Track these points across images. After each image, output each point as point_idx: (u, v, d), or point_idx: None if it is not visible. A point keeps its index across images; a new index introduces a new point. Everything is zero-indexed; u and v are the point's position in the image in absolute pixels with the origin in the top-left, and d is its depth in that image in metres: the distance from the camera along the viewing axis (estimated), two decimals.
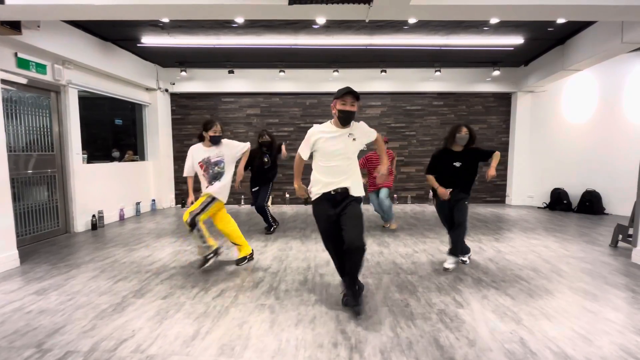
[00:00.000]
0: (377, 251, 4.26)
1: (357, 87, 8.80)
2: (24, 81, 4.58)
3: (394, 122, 8.05)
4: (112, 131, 8.57)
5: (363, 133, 2.68)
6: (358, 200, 2.65)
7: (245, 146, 3.75)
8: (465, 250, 3.79)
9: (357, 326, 2.42)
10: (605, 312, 2.64)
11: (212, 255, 3.54)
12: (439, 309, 2.68)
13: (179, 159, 8.04)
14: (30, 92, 4.73)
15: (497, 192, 8.24)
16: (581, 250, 4.28)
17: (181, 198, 7.95)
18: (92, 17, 3.73)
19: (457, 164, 3.44)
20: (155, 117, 7.47)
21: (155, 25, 5.21)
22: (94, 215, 5.57)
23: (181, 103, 7.98)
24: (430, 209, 7.35)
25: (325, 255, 4.06)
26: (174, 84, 7.65)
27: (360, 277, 3.32)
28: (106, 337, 2.30)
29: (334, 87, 8.59)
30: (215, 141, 3.57)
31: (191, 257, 4.03)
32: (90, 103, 7.77)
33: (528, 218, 6.39)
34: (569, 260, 3.87)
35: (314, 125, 2.69)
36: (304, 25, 5.21)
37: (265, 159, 5.09)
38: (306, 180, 2.59)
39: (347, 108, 2.49)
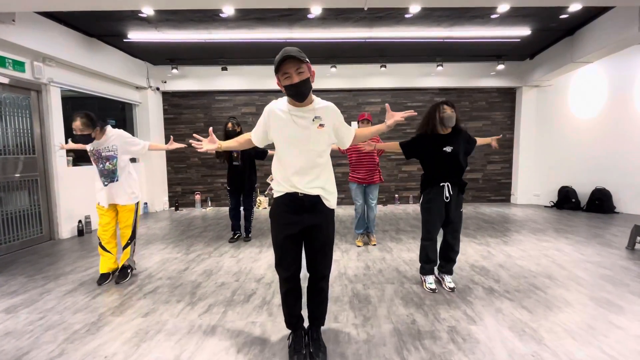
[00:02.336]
0: (379, 257, 3.99)
1: (356, 84, 8.37)
2: (5, 81, 4.30)
3: None
4: None
5: (333, 119, 1.94)
6: (332, 216, 2.01)
7: (144, 147, 3.28)
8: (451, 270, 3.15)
9: (359, 349, 2.14)
10: (635, 327, 2.36)
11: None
12: (449, 326, 2.41)
13: (172, 160, 7.77)
14: (8, 92, 4.44)
15: (501, 190, 7.96)
16: (597, 253, 4.00)
17: (175, 201, 7.67)
18: (68, 8, 3.44)
19: (448, 149, 2.84)
20: (146, 116, 7.18)
21: (141, 19, 4.91)
22: (80, 221, 5.28)
23: (173, 102, 7.69)
24: None
25: None
26: (165, 82, 7.36)
27: (361, 288, 3.09)
28: None
29: (332, 84, 8.19)
30: (82, 141, 3.07)
31: (180, 265, 3.76)
32: (80, 103, 7.44)
33: (536, 218, 6.12)
34: (585, 266, 3.60)
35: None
36: (298, 18, 4.92)
37: (235, 154, 4.51)
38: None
39: (294, 81, 1.75)
